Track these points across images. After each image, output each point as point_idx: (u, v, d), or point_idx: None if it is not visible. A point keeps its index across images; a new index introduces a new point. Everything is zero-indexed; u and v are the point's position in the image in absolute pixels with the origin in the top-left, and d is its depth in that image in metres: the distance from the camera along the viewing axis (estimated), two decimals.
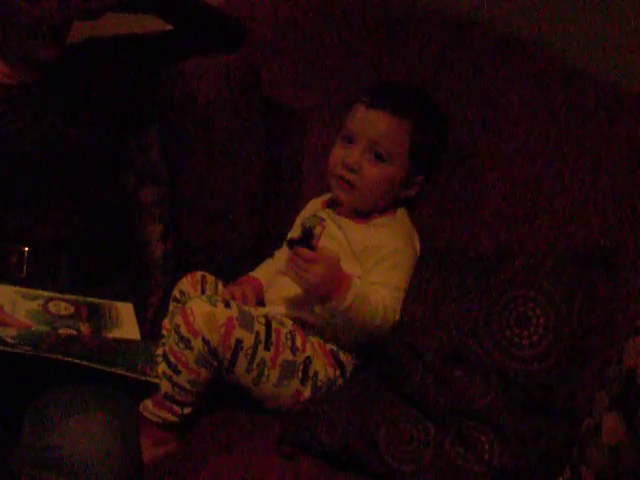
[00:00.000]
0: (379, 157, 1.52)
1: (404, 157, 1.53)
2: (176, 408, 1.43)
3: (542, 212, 1.45)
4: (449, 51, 1.65)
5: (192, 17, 1.73)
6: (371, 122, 1.52)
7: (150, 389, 1.42)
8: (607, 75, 1.51)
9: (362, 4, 1.80)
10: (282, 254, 1.65)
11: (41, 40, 1.54)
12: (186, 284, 1.62)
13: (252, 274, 1.65)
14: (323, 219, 1.55)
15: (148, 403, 1.44)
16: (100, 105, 1.64)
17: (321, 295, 1.41)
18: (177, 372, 1.41)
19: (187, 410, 1.44)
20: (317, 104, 1.79)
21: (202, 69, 1.80)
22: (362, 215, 1.55)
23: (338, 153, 1.55)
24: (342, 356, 1.49)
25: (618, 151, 1.39)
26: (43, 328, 1.42)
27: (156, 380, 1.38)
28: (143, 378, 1.34)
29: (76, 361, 1.31)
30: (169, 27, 1.76)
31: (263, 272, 1.65)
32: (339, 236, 1.53)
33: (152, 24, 1.75)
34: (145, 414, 1.43)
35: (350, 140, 1.54)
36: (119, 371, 1.33)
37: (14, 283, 1.52)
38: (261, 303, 1.58)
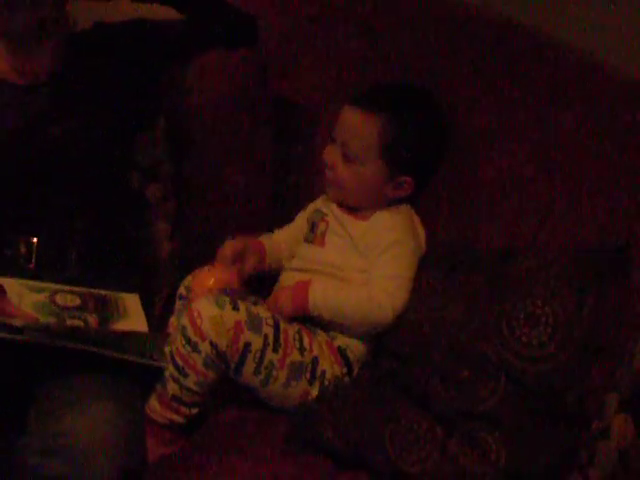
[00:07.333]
0: (348, 158, 1.49)
1: (373, 157, 1.47)
2: (183, 409, 1.43)
3: (553, 208, 1.42)
4: (467, 48, 1.62)
5: (206, 9, 1.72)
6: (345, 120, 1.50)
7: (156, 378, 1.41)
8: (624, 70, 1.49)
9: None
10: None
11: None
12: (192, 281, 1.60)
13: (260, 238, 1.61)
14: (326, 214, 1.55)
15: (155, 404, 1.43)
16: (107, 100, 1.63)
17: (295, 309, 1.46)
18: (185, 375, 1.40)
19: (194, 411, 1.44)
20: (327, 100, 1.77)
21: (210, 65, 1.80)
22: (362, 210, 1.52)
23: (324, 151, 1.53)
24: (349, 353, 1.48)
25: (631, 146, 1.37)
26: (50, 320, 1.42)
27: (166, 364, 1.38)
28: (154, 363, 1.33)
29: (86, 348, 1.31)
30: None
31: (266, 238, 1.62)
32: (342, 232, 1.52)
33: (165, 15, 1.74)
34: (152, 416, 1.43)
35: (333, 139, 1.52)
36: (129, 357, 1.32)
37: (23, 273, 1.52)
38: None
